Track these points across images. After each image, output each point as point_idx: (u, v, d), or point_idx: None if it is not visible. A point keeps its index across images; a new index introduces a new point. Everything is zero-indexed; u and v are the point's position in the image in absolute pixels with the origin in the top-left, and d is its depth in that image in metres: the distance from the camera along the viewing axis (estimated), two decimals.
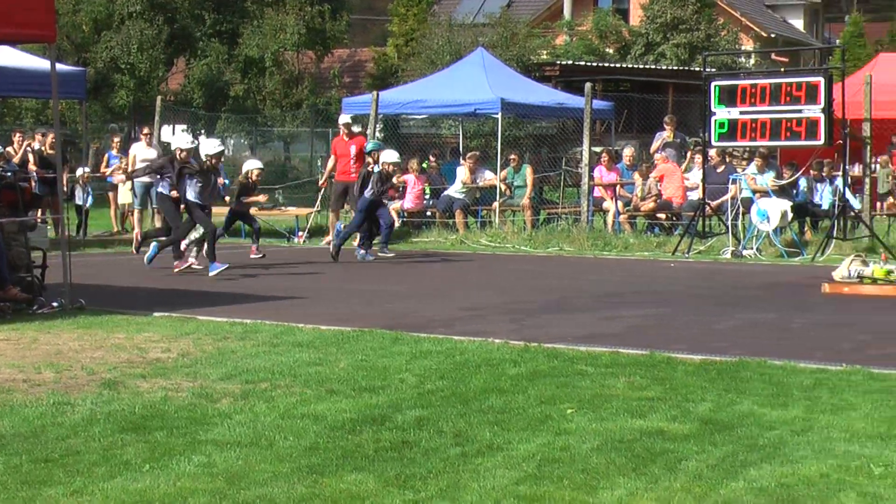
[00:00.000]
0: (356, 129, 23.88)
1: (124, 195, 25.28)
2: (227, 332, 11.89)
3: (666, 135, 26.09)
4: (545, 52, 42.64)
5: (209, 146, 18.47)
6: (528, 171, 25.15)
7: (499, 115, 25.95)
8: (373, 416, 8.21)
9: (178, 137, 19.21)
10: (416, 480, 6.69)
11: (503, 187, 25.06)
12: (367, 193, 19.79)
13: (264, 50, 46.75)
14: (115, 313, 13.22)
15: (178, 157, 17.59)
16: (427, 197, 25.85)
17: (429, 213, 25.58)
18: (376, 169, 19.84)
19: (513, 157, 25.71)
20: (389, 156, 20.18)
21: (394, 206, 23.11)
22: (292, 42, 47.26)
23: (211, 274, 17.15)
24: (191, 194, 17.51)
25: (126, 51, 44.80)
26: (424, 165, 26.73)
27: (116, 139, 28.07)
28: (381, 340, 11.37)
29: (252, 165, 20.47)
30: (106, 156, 26.99)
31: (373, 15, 65.27)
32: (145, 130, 26.04)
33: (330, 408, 8.44)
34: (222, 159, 19.39)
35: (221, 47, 47.21)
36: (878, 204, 24.15)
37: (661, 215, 23.71)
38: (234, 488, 6.54)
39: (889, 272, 15.30)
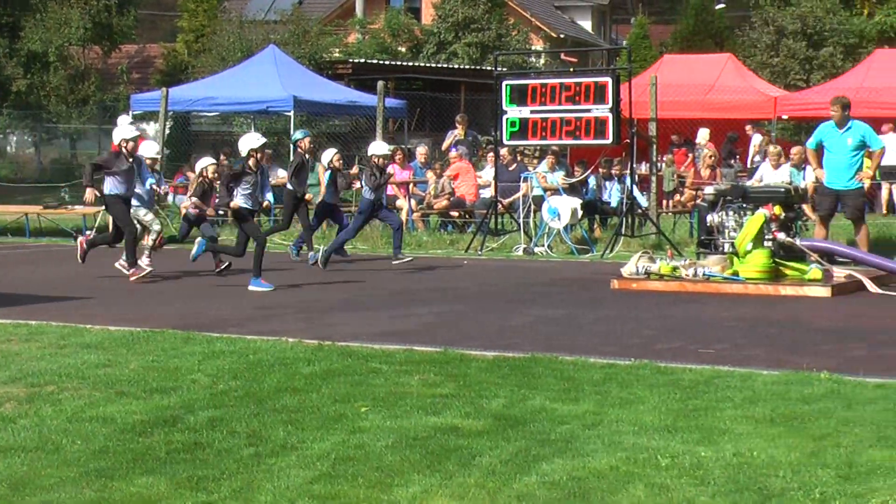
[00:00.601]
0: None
1: None
2: (10, 335, 11.52)
3: (457, 133, 26.31)
4: (337, 50, 42.57)
5: (252, 140, 16.21)
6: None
7: (291, 113, 25.80)
8: (164, 417, 8.05)
9: (122, 128, 17.14)
10: (208, 482, 6.58)
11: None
12: (367, 194, 17.81)
13: (48, 44, 45.50)
14: None
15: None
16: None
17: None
18: (326, 160, 18.86)
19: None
20: (379, 147, 18.31)
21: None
22: (77, 37, 46.15)
23: (252, 289, 15.48)
24: (240, 200, 15.81)
25: None
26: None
27: None
28: (172, 341, 11.17)
29: (206, 163, 18.90)
30: None
31: (161, 10, 64.19)
32: None
33: (120, 410, 8.25)
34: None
35: (2, 41, 45.77)
36: (664, 202, 24.80)
37: (455, 213, 23.89)
38: (18, 495, 6.33)
39: (675, 268, 15.70)
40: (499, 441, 7.46)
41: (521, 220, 21.37)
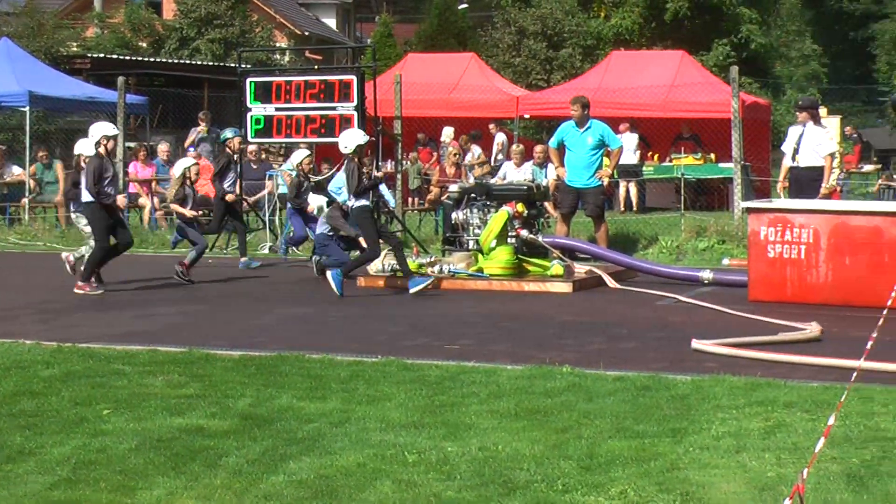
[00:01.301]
0: None
1: None
2: None
3: (201, 130, 25.96)
4: (75, 44, 41.45)
5: (356, 136, 15.31)
6: (58, 167, 24.35)
7: (27, 109, 25.01)
8: None
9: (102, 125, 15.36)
10: None
11: (32, 184, 24.15)
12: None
13: None
14: None
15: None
16: None
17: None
18: (290, 165, 17.91)
19: (42, 153, 24.82)
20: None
21: None
22: None
23: (413, 290, 14.60)
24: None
25: None
26: None
27: None
28: None
29: (187, 163, 17.33)
30: None
31: None
32: None
33: None
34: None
35: None
36: (410, 199, 24.98)
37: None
38: None
39: (420, 265, 15.82)
40: (245, 441, 7.38)
41: (266, 219, 21.22)
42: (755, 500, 6.20)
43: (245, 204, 21.41)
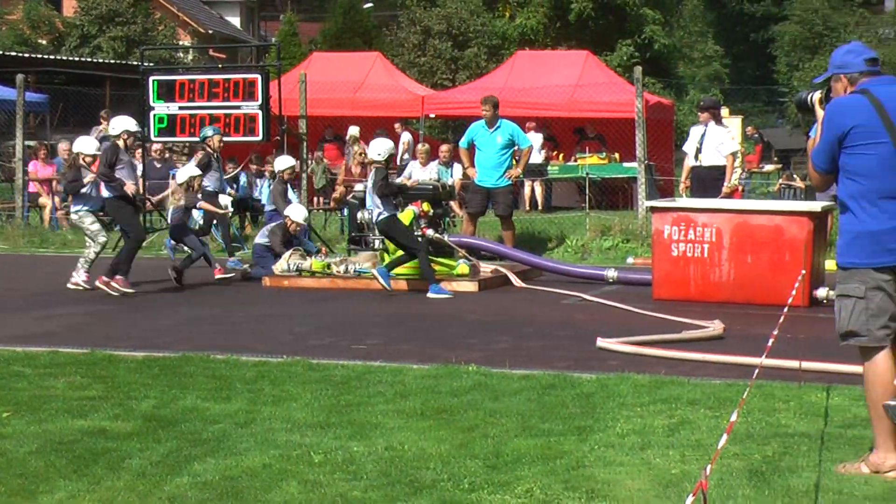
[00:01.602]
0: None
1: None
2: None
3: (102, 128, 25.63)
4: None
5: (386, 145, 15.45)
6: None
7: None
8: None
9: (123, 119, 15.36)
10: None
11: None
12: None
13: None
14: None
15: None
16: None
17: None
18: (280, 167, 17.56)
19: None
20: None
21: None
22: None
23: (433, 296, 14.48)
24: None
25: None
26: None
27: None
28: None
29: (192, 172, 16.65)
30: None
31: None
32: None
33: None
34: None
35: None
36: (316, 199, 24.88)
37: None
38: None
39: (327, 265, 15.78)
40: (149, 442, 7.31)
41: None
42: (659, 496, 6.25)
43: (149, 204, 21.20)
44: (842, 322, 6.72)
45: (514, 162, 18.19)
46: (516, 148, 17.78)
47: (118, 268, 14.82)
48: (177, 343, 10.93)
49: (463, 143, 18.03)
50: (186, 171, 17.10)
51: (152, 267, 18.01)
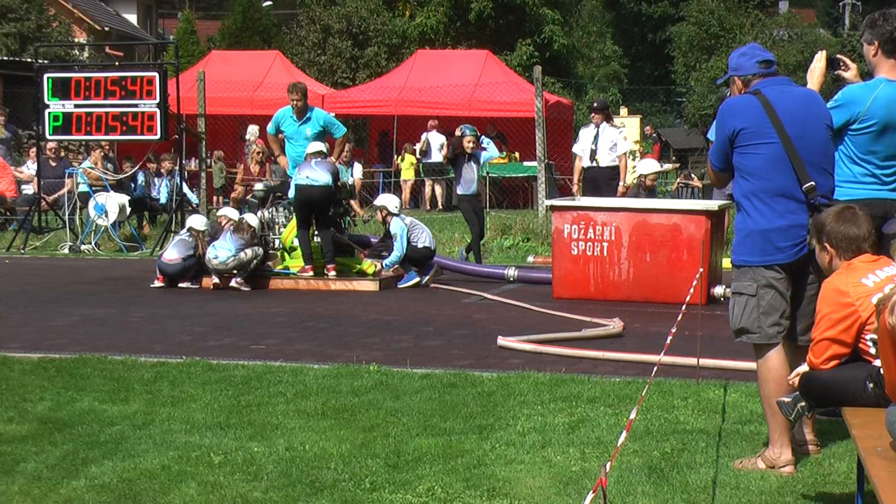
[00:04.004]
0: None
1: None
2: None
3: None
4: None
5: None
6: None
7: None
8: None
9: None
10: None
11: None
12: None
13: None
14: None
15: None
16: None
17: None
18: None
19: None
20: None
21: None
22: None
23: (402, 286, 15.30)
24: None
25: None
26: None
27: None
28: None
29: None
30: None
31: None
32: None
33: None
34: None
35: None
36: (215, 198, 24.73)
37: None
38: None
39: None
40: (45, 445, 7.20)
41: (66, 218, 20.74)
42: (560, 494, 6.28)
43: (44, 203, 20.92)
44: (735, 319, 6.83)
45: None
46: (330, 136, 16.45)
47: None
48: (73, 344, 10.78)
49: (270, 128, 16.76)
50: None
51: (46, 267, 17.78)
